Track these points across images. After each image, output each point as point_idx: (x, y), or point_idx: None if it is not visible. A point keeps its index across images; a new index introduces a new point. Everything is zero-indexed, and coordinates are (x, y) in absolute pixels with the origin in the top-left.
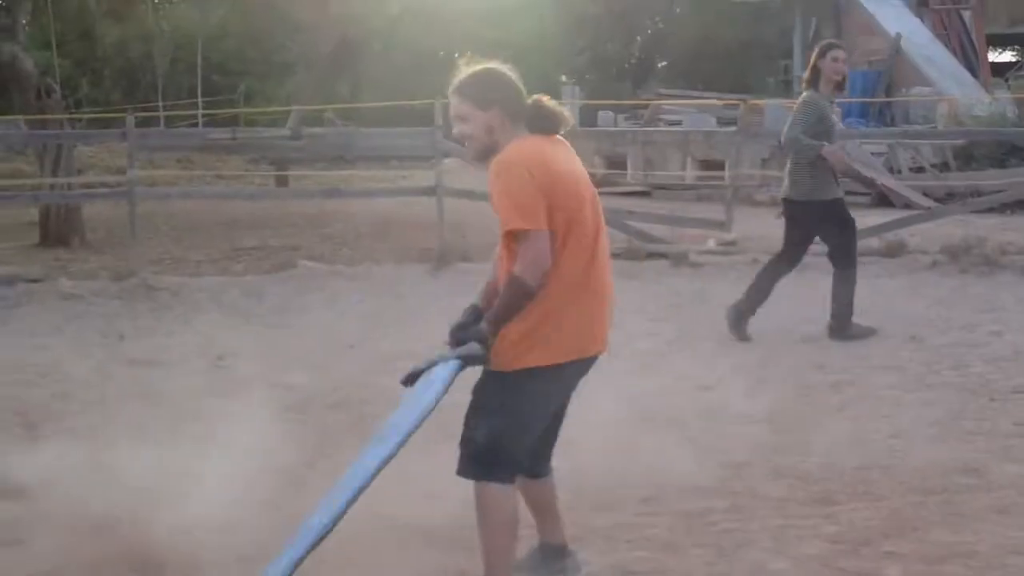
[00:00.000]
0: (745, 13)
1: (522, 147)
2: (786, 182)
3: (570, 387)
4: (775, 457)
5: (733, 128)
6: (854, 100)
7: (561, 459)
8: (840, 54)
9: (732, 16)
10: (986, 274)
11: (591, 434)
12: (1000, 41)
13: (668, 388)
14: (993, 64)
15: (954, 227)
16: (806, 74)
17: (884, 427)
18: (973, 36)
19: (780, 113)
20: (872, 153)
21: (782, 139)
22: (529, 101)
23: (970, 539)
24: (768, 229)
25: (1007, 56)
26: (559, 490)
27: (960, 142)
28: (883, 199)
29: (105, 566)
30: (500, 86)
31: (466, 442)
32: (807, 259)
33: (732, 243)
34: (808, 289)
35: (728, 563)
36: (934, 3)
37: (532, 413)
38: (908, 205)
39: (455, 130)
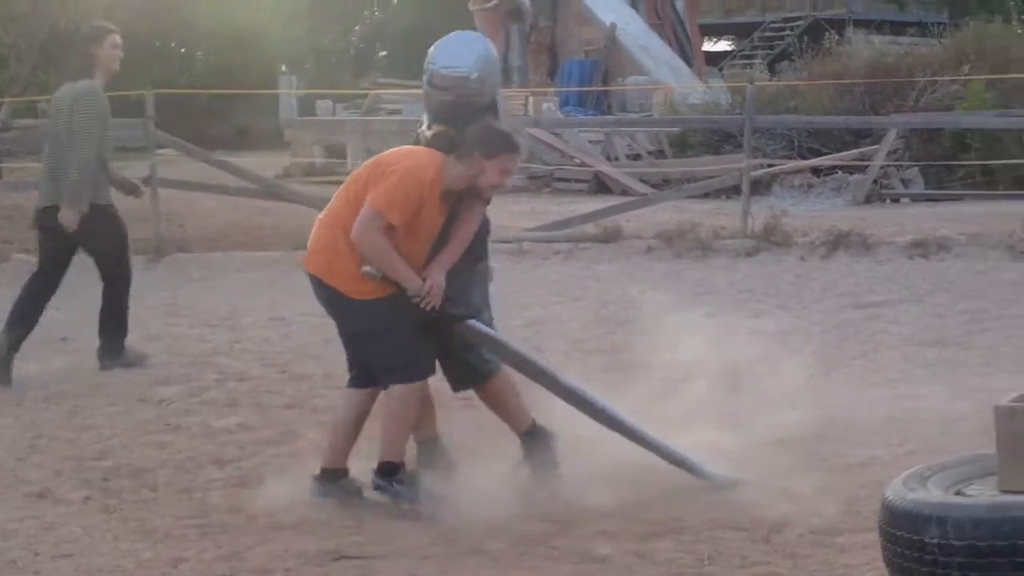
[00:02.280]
0: (461, 4)
1: None
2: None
3: None
4: (484, 440)
5: None
6: (571, 89)
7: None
8: (118, 39)
9: (448, 7)
10: (700, 258)
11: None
12: (716, 31)
13: None
14: (709, 53)
15: (669, 213)
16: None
17: None
18: (687, 26)
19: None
20: (589, 141)
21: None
22: None
23: (680, 515)
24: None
25: (723, 45)
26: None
27: (675, 130)
28: (601, 186)
29: None
30: None
31: None
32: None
33: None
34: (523, 275)
35: (447, 545)
36: None
37: None
38: (625, 192)
39: None
